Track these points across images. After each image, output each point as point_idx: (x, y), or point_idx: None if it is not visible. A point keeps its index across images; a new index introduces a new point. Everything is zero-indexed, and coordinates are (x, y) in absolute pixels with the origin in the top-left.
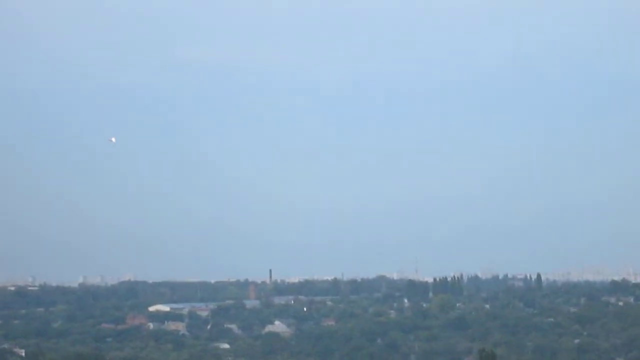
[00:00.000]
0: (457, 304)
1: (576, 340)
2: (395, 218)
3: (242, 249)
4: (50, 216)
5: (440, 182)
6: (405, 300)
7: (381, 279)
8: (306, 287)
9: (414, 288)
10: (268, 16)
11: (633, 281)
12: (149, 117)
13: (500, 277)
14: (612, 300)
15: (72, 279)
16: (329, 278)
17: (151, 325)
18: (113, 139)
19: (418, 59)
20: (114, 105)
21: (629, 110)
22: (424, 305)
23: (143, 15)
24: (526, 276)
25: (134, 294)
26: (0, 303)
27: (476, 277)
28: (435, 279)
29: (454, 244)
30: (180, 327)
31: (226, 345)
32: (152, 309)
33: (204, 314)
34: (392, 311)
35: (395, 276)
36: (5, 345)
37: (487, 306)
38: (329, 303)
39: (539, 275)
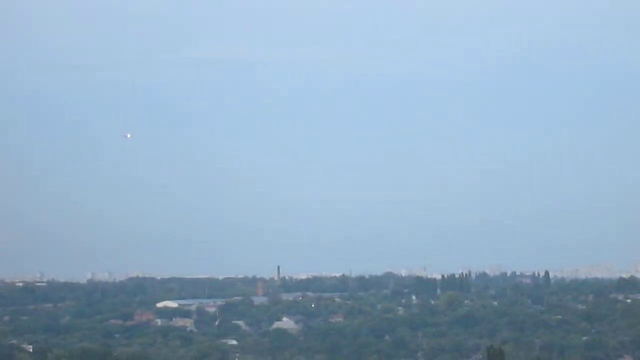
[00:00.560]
0: (465, 301)
1: (584, 338)
2: (404, 215)
3: (250, 246)
4: (58, 212)
5: (449, 179)
6: (413, 297)
7: (389, 275)
8: (314, 284)
9: (422, 285)
10: (269, 16)
11: None
12: (156, 114)
13: (508, 274)
14: (620, 297)
15: (80, 275)
16: (337, 275)
17: (159, 322)
18: (129, 135)
19: (424, 56)
20: (121, 103)
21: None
22: (432, 302)
23: (149, 12)
24: (534, 273)
25: (141, 290)
26: (9, 299)
27: (484, 274)
28: (443, 276)
29: (462, 241)
30: (188, 323)
31: (234, 342)
32: (160, 305)
33: (212, 310)
34: (400, 308)
35: (403, 273)
36: (14, 341)
37: (495, 303)
38: (337, 300)
39: (546, 273)
